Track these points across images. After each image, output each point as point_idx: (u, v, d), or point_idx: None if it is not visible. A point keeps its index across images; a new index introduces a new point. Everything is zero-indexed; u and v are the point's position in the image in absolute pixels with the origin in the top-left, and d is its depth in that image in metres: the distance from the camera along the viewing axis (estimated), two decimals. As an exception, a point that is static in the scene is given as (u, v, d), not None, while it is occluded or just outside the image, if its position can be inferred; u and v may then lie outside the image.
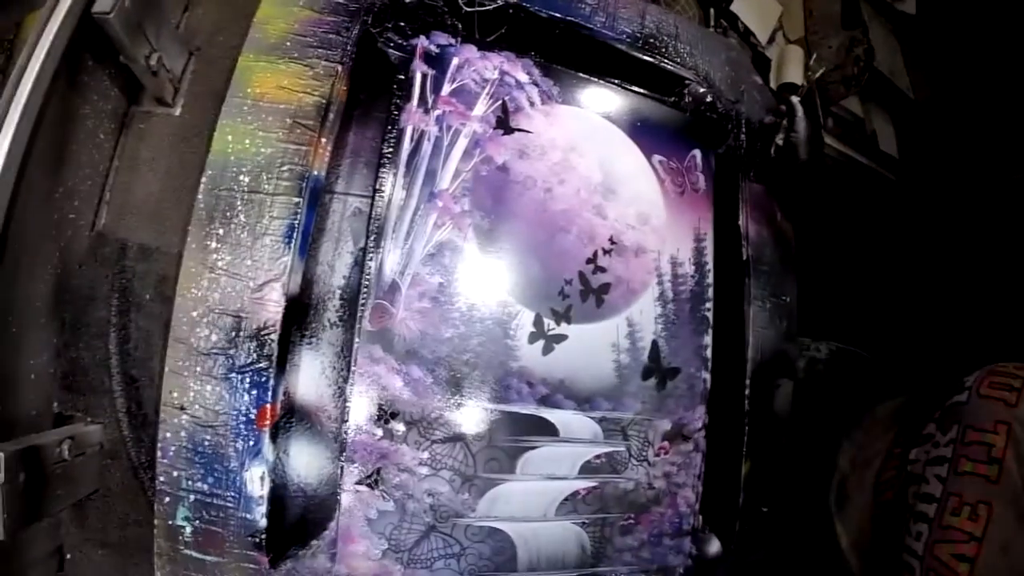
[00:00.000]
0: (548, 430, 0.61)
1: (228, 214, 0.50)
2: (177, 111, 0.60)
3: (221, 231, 0.50)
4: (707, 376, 0.71)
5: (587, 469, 0.63)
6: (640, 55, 0.70)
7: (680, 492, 0.68)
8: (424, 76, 0.60)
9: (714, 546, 0.69)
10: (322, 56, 0.54)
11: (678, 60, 0.73)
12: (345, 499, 0.54)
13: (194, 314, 0.49)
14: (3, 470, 0.43)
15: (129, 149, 0.59)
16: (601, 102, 0.70)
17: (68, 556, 0.55)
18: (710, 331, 0.72)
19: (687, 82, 0.73)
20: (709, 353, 0.71)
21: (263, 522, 0.48)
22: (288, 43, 0.54)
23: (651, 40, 0.71)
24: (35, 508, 0.49)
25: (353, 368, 0.54)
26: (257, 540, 0.48)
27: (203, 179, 0.50)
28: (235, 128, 0.51)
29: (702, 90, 0.74)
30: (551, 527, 0.62)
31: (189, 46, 0.62)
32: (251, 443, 0.48)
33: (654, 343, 0.67)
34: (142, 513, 0.55)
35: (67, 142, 0.54)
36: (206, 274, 0.49)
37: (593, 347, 0.64)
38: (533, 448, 0.61)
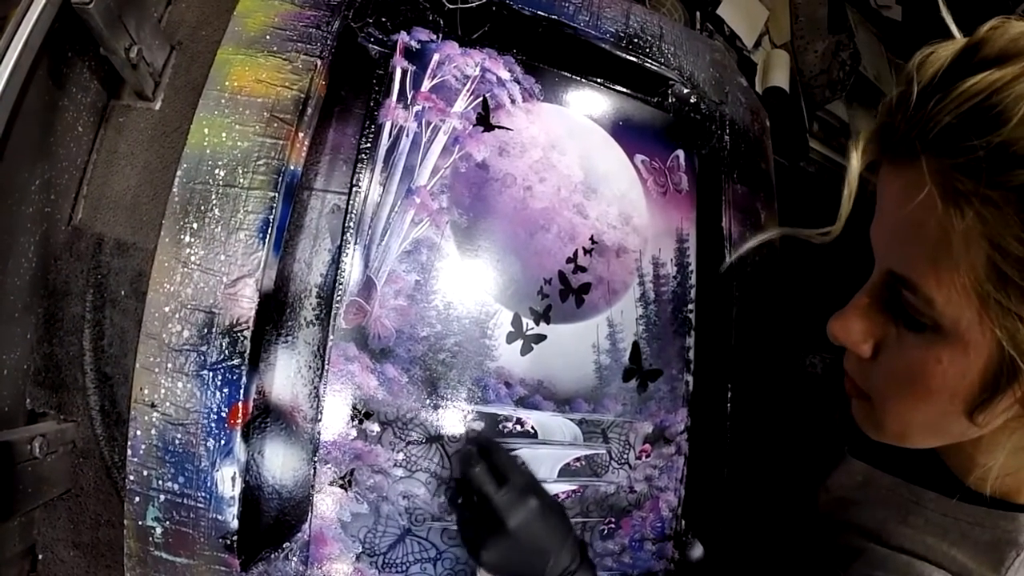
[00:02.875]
0: (526, 432, 0.61)
1: (202, 208, 0.49)
2: (157, 105, 0.60)
3: (195, 225, 0.49)
4: (689, 379, 0.70)
5: (567, 472, 0.63)
6: (624, 54, 0.70)
7: (662, 496, 0.68)
8: (404, 72, 0.60)
9: (697, 551, 0.69)
10: (301, 50, 0.54)
11: (662, 60, 0.73)
12: (318, 501, 0.53)
13: (166, 309, 0.48)
14: (-30, 466, 0.42)
15: (108, 143, 0.59)
16: (584, 101, 0.70)
17: (40, 556, 0.54)
18: (693, 333, 0.71)
19: (671, 82, 0.73)
20: (692, 355, 0.71)
21: (234, 524, 0.47)
22: (267, 37, 0.53)
23: (635, 40, 0.71)
24: (6, 506, 0.48)
25: (327, 366, 0.54)
26: (228, 542, 0.47)
27: (178, 172, 0.50)
28: (211, 121, 0.51)
29: (686, 91, 0.74)
30: (530, 529, 0.61)
31: (171, 40, 0.62)
32: (222, 442, 0.47)
33: (635, 344, 0.67)
34: (115, 514, 0.54)
35: (45, 134, 0.53)
36: (179, 269, 0.49)
37: (573, 348, 0.63)
38: (511, 450, 0.60)
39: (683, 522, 0.69)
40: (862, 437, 0.43)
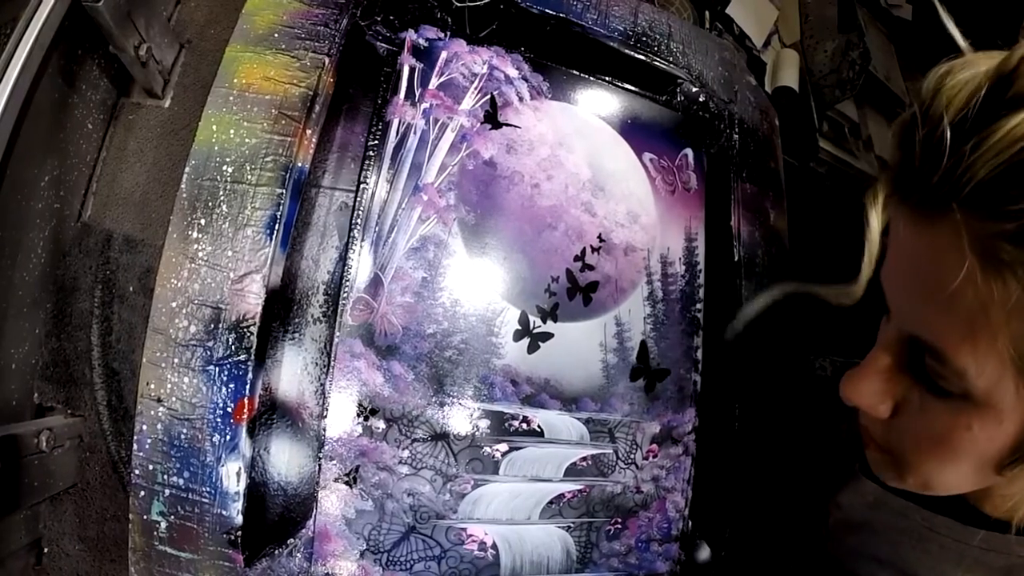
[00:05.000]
0: (532, 430, 0.60)
1: (210, 204, 0.50)
2: (166, 103, 0.61)
3: (203, 221, 0.49)
4: (697, 378, 0.70)
5: (573, 471, 0.62)
6: (632, 53, 0.70)
7: (669, 496, 0.67)
8: (412, 69, 0.60)
9: (704, 552, 0.68)
10: (309, 48, 0.54)
11: (671, 59, 0.72)
12: (323, 497, 0.53)
13: (173, 304, 0.48)
14: (-23, 457, 0.43)
15: (117, 140, 0.59)
16: (592, 99, 0.69)
17: (46, 550, 0.55)
18: (701, 332, 0.71)
19: (679, 81, 0.73)
20: (700, 355, 0.70)
21: (239, 519, 0.47)
22: (276, 35, 0.54)
23: (643, 38, 0.71)
24: (11, 499, 0.48)
25: (333, 363, 0.54)
26: (232, 538, 0.47)
27: (186, 169, 0.50)
28: (219, 118, 0.51)
29: (695, 89, 0.74)
30: (535, 530, 0.61)
31: (180, 38, 0.62)
32: (228, 437, 0.47)
33: (643, 343, 0.66)
34: (120, 508, 0.54)
35: (55, 131, 0.54)
36: (186, 264, 0.49)
37: (580, 346, 0.63)
38: (517, 449, 0.60)
39: (690, 523, 0.68)
40: None
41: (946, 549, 0.42)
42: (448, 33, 0.62)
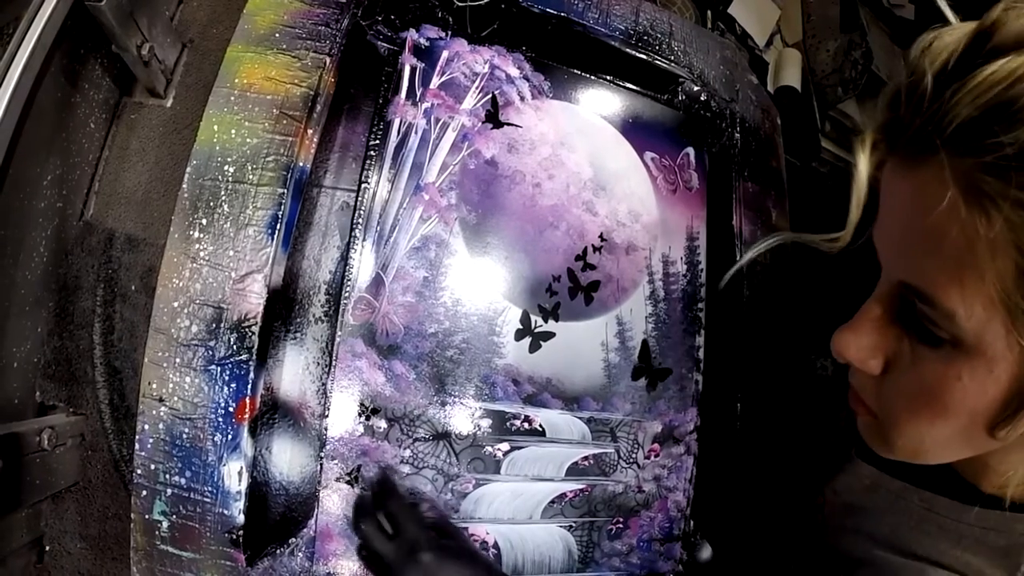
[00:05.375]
0: (534, 430, 0.60)
1: (212, 204, 0.50)
2: (169, 103, 0.61)
3: (204, 221, 0.49)
4: (699, 378, 0.70)
5: (574, 471, 0.62)
6: (633, 52, 0.70)
7: (671, 496, 0.67)
8: (413, 69, 0.60)
9: (705, 552, 0.68)
10: (311, 48, 0.54)
11: (672, 58, 0.72)
12: (325, 497, 0.53)
13: (175, 304, 0.48)
14: (-20, 455, 0.43)
15: (119, 139, 0.59)
16: (593, 98, 0.69)
17: (47, 548, 0.55)
18: (703, 332, 0.71)
19: (681, 80, 0.73)
20: (701, 354, 0.70)
21: (240, 519, 0.47)
22: (277, 34, 0.54)
23: (645, 37, 0.71)
24: (13, 497, 0.48)
25: (334, 363, 0.54)
26: (234, 537, 0.47)
27: (188, 169, 0.50)
28: (221, 118, 0.51)
29: (696, 88, 0.73)
30: (537, 530, 0.61)
31: (182, 38, 0.62)
32: (229, 437, 0.47)
33: (644, 343, 0.66)
34: (122, 507, 0.54)
35: (57, 130, 0.54)
36: (188, 264, 0.49)
37: (581, 345, 0.63)
38: (519, 448, 0.60)
39: (692, 523, 0.68)
40: None
41: (945, 530, 0.42)
42: (449, 32, 0.62)
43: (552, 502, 0.61)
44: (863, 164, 0.33)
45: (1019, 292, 0.27)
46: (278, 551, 0.51)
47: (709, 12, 1.04)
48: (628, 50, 0.70)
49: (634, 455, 0.65)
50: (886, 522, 0.46)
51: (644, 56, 0.71)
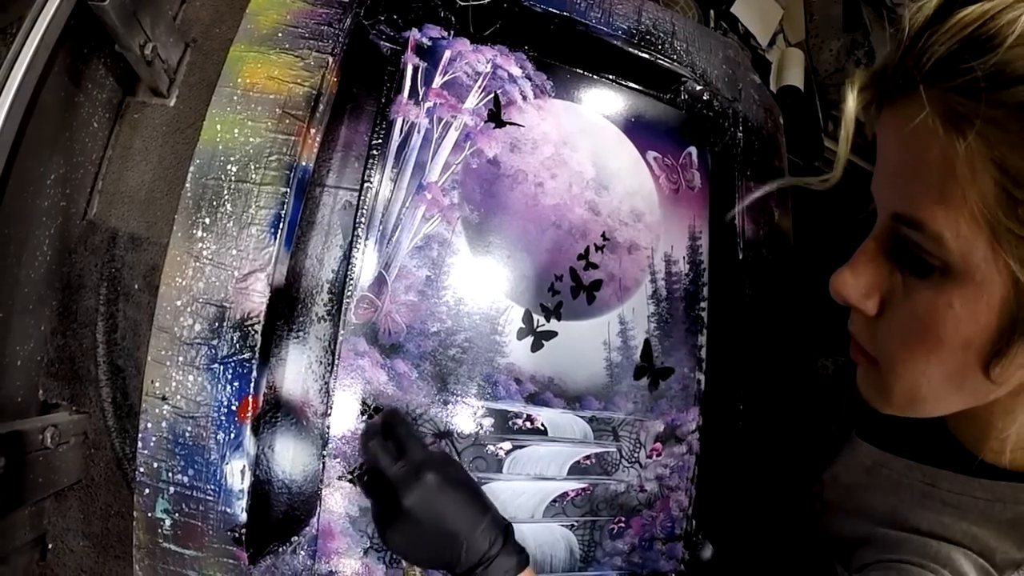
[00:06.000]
0: (536, 429, 0.60)
1: (215, 203, 0.50)
2: (172, 102, 0.61)
3: (207, 220, 0.49)
4: (701, 377, 0.70)
5: (576, 470, 0.62)
6: (636, 51, 0.70)
7: (673, 495, 0.67)
8: (415, 68, 0.60)
9: (707, 551, 0.68)
10: (313, 47, 0.54)
11: (674, 57, 0.72)
12: (327, 495, 0.53)
13: (178, 303, 0.48)
14: (-16, 452, 0.43)
15: (123, 139, 0.60)
16: (595, 97, 0.69)
17: (50, 546, 0.55)
18: (705, 331, 0.70)
19: (683, 79, 0.73)
20: (704, 354, 0.70)
21: (243, 517, 0.47)
22: (280, 34, 0.54)
23: (647, 37, 0.71)
24: (16, 495, 0.48)
25: (337, 361, 0.54)
26: (236, 535, 0.48)
27: (191, 168, 0.50)
28: (224, 118, 0.51)
29: (699, 87, 0.73)
30: (538, 529, 0.61)
31: (185, 37, 0.62)
32: (232, 435, 0.47)
33: (647, 342, 0.66)
34: (125, 505, 0.55)
35: (61, 130, 0.54)
36: (191, 263, 0.49)
37: (584, 345, 0.63)
38: (521, 447, 0.60)
39: (694, 522, 0.68)
40: (871, 419, 0.42)
41: (948, 504, 0.42)
42: (452, 32, 0.62)
43: (554, 501, 0.61)
44: (851, 101, 0.35)
45: (1000, 209, 0.28)
46: (280, 549, 0.51)
47: (712, 11, 1.04)
48: (631, 49, 0.70)
49: (636, 454, 0.65)
50: (887, 502, 0.46)
51: (647, 55, 0.71)
